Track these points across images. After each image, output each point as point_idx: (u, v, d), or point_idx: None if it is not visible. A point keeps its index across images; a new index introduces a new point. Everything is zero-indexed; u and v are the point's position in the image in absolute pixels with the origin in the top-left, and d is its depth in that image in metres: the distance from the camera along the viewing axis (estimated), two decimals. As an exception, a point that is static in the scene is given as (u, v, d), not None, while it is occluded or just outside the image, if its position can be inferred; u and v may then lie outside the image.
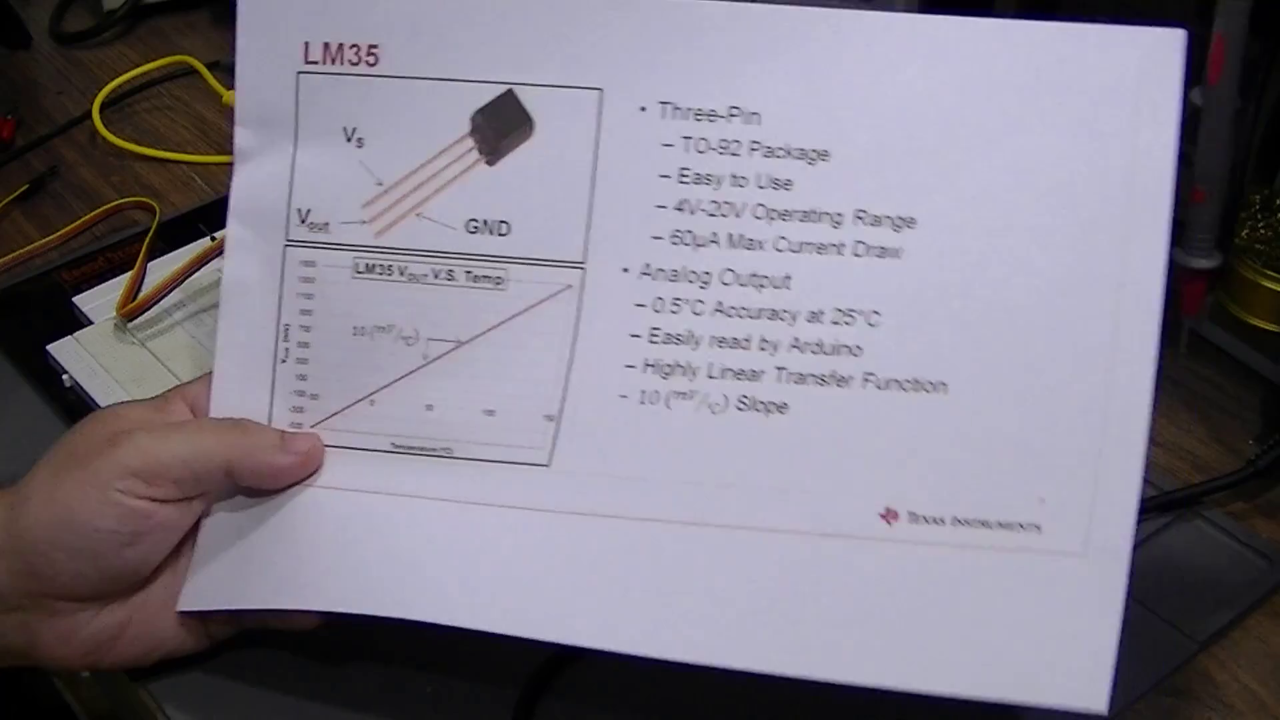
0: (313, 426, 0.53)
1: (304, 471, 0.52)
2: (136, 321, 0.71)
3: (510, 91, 0.51)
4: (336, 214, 0.53)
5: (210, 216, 0.80)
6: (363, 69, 0.52)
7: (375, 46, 0.52)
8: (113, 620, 0.52)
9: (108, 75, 0.95)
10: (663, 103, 0.50)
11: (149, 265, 0.74)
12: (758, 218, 0.49)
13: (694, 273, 0.49)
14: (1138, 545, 0.62)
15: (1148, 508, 0.63)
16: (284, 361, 0.53)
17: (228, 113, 0.90)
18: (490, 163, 0.51)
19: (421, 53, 0.52)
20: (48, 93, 0.97)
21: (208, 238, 0.77)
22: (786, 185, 0.49)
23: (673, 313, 0.49)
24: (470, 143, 0.52)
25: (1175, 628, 0.58)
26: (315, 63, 0.53)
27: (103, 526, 0.49)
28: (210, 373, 0.54)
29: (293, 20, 0.53)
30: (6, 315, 0.75)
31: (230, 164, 0.82)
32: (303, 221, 0.53)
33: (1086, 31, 0.48)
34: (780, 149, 0.49)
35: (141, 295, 0.72)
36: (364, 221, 0.52)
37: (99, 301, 0.74)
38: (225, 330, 0.54)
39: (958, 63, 0.49)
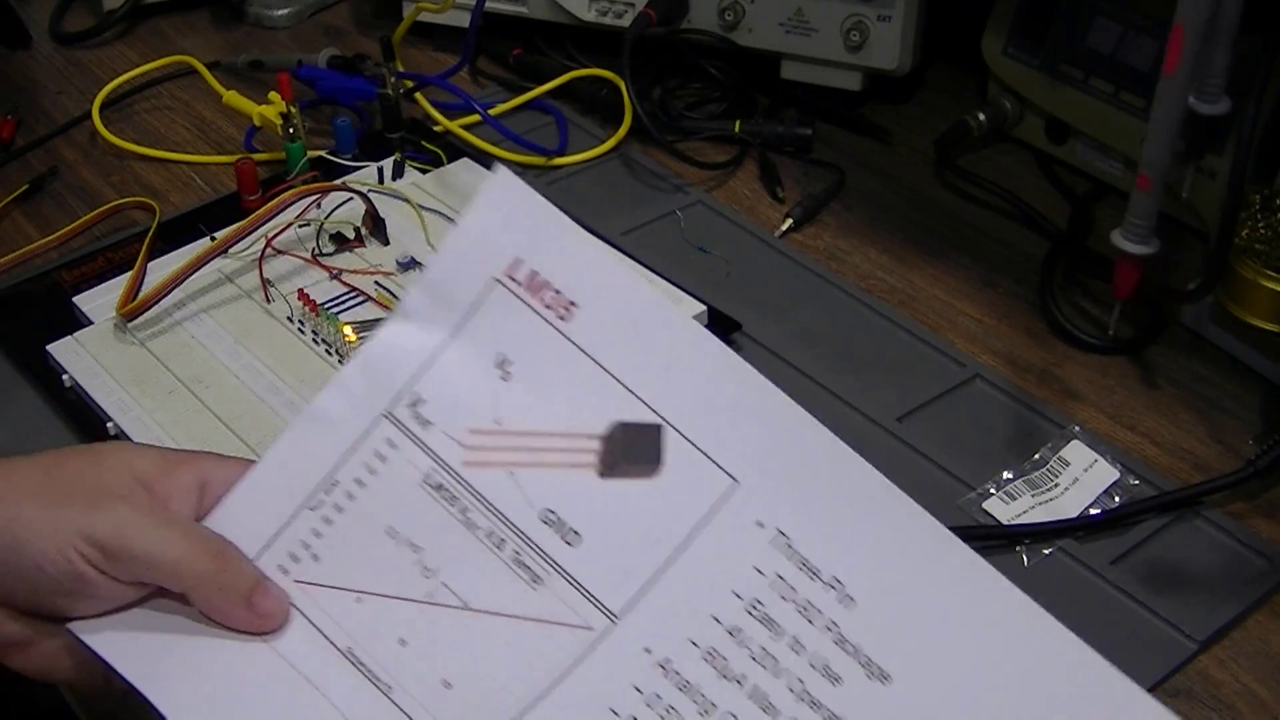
0: (296, 581, 0.50)
1: (255, 630, 0.49)
2: (136, 321, 0.71)
3: (661, 427, 0.49)
4: (444, 422, 0.51)
5: (210, 216, 0.80)
6: (551, 316, 0.50)
7: (574, 305, 0.50)
8: (16, 630, 0.50)
9: (108, 75, 0.95)
10: (780, 531, 0.48)
11: (149, 265, 0.74)
12: (790, 690, 0.47)
13: (703, 696, 0.47)
14: (1137, 545, 0.63)
15: (1147, 508, 0.63)
16: (312, 509, 0.51)
17: (227, 112, 0.91)
18: (601, 475, 0.50)
19: (608, 337, 0.50)
20: (48, 93, 0.97)
21: (208, 238, 0.77)
22: (835, 680, 0.47)
23: (659, 716, 0.47)
24: (598, 444, 0.50)
25: (1175, 628, 0.59)
26: (516, 281, 0.51)
27: (48, 571, 0.48)
28: (242, 462, 0.52)
29: (522, 231, 0.51)
30: (6, 315, 0.75)
31: (232, 163, 0.83)
32: (410, 405, 0.51)
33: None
34: (852, 646, 0.47)
35: (141, 295, 0.72)
36: (462, 445, 0.50)
37: (99, 301, 0.74)
38: (282, 445, 0.51)
39: (1032, 666, 0.46)
